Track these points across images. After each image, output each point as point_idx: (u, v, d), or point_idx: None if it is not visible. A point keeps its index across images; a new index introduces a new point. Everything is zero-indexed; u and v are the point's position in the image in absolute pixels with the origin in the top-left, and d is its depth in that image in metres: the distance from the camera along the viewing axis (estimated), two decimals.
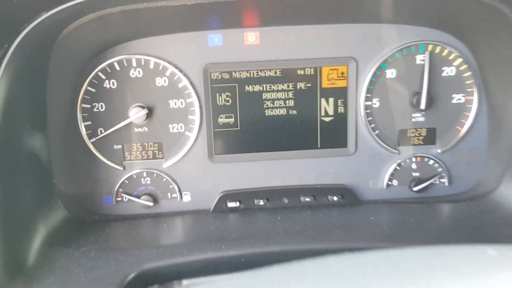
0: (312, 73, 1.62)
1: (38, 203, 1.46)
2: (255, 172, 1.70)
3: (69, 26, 1.36)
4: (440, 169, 1.71)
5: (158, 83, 1.61)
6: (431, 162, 1.71)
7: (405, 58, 1.62)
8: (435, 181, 1.71)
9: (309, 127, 1.67)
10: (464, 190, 1.74)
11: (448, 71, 1.63)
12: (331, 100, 1.64)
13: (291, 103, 1.65)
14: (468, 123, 1.67)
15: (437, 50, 1.61)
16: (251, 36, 1.60)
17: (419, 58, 1.62)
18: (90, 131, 1.63)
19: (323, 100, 1.64)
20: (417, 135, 1.69)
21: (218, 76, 1.62)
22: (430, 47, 1.61)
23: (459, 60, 1.62)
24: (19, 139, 1.36)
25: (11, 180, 1.29)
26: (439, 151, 1.70)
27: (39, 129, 1.46)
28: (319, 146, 1.69)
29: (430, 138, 1.69)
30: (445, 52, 1.62)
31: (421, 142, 1.70)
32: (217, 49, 1.61)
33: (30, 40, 1.25)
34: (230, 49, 1.61)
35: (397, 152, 1.69)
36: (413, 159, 1.71)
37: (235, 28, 1.60)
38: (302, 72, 1.62)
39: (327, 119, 1.66)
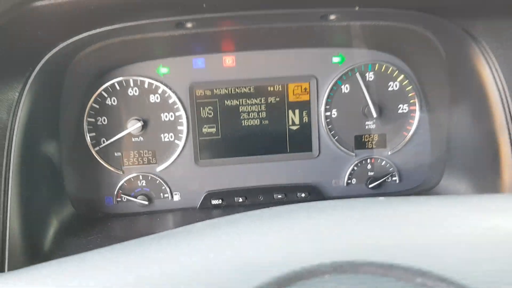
0: (280, 89, 1.79)
1: (51, 201, 1.59)
2: (235, 174, 1.84)
3: (80, 53, 1.52)
4: (391, 169, 1.88)
5: (152, 99, 1.75)
6: (383, 163, 1.88)
7: (356, 75, 1.80)
8: (388, 179, 1.87)
9: (279, 134, 1.82)
10: (412, 186, 1.90)
11: (393, 85, 1.82)
12: (297, 111, 1.81)
13: (263, 114, 1.81)
14: (412, 129, 1.85)
15: (383, 68, 1.80)
16: (229, 60, 1.77)
17: (368, 76, 1.81)
18: (94, 141, 1.76)
19: (290, 111, 1.81)
20: (370, 140, 1.86)
21: (201, 93, 1.77)
22: (376, 66, 1.80)
23: (401, 76, 1.81)
24: (37, 147, 1.48)
25: (29, 181, 1.39)
26: (389, 153, 1.87)
27: (53, 139, 1.60)
28: (288, 151, 1.83)
29: (382, 142, 1.86)
30: (390, 70, 1.80)
31: (374, 146, 1.86)
32: (201, 71, 1.76)
33: (49, 65, 1.39)
34: (211, 70, 1.76)
35: (354, 154, 1.86)
36: (368, 161, 1.88)
37: (215, 53, 1.75)
38: (272, 89, 1.79)
39: (294, 127, 1.82)
